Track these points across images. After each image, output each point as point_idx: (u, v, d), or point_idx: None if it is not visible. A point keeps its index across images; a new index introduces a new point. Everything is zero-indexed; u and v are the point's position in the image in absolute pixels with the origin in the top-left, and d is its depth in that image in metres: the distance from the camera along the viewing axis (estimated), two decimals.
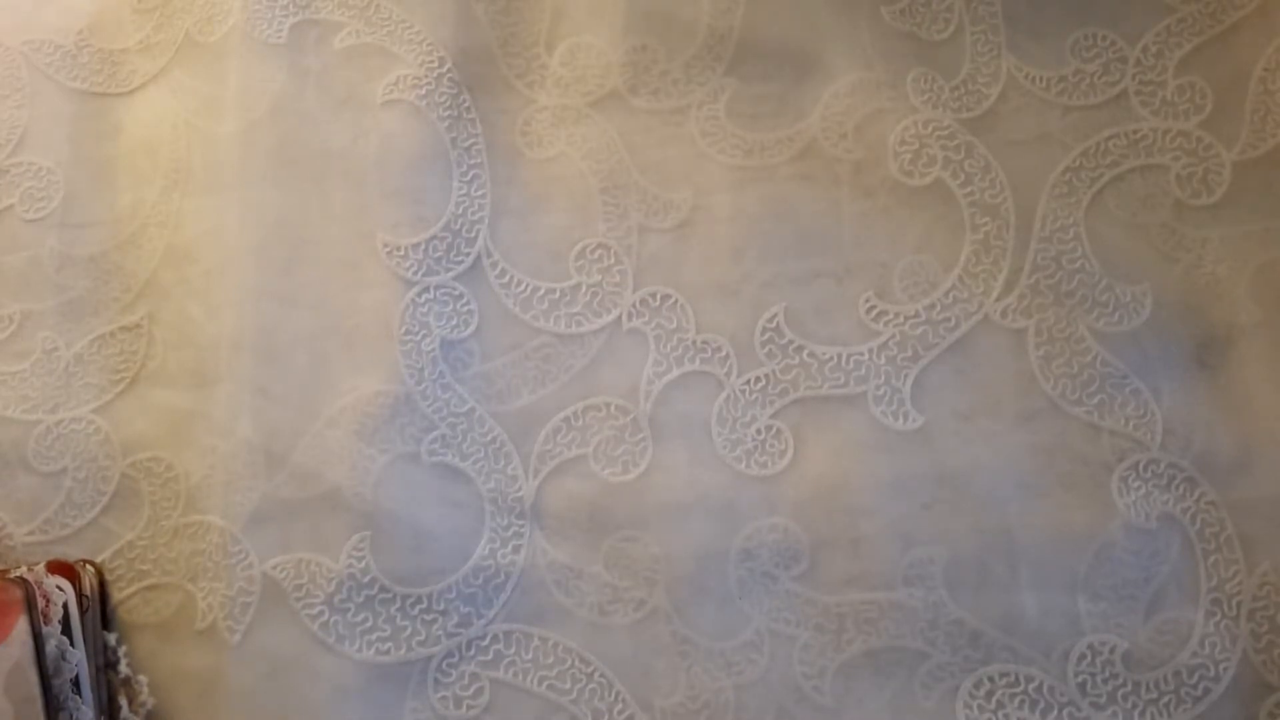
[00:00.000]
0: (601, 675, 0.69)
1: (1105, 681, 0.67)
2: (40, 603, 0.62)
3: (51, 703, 0.60)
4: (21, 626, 0.60)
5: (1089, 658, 0.67)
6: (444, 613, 0.70)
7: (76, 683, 0.62)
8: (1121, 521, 0.68)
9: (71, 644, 0.63)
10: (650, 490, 0.71)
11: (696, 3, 0.78)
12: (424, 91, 0.77)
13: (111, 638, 0.69)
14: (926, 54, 0.76)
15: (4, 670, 0.59)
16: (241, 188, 0.76)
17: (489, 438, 0.73)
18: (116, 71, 0.81)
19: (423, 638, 0.69)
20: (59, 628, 0.62)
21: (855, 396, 0.72)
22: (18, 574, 0.64)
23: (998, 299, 0.72)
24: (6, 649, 0.59)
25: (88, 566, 0.70)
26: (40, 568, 0.67)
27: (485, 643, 0.70)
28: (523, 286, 0.75)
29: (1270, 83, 0.73)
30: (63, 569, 0.68)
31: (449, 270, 0.75)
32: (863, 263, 0.73)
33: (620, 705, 0.69)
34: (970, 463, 0.70)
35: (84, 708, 0.63)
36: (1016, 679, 0.67)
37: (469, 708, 0.69)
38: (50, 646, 0.61)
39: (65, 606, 0.63)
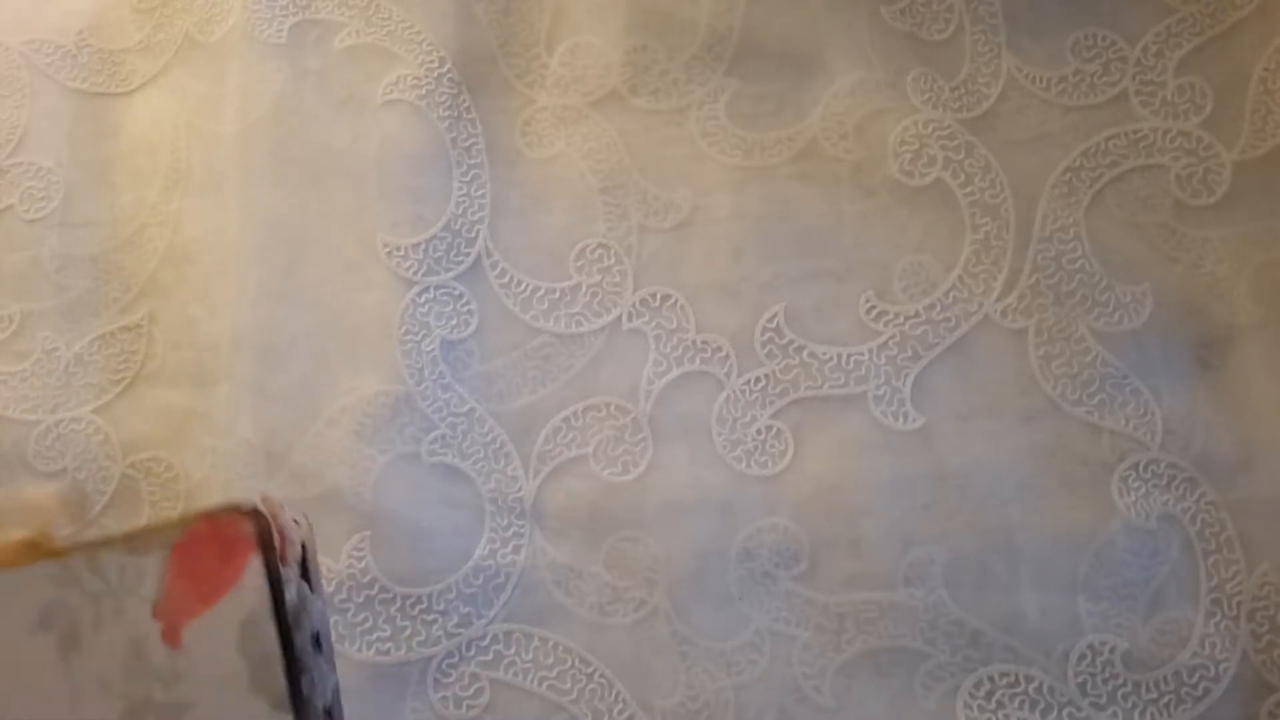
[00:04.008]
0: (601, 675, 0.69)
1: (1105, 681, 0.67)
2: (276, 541, 0.49)
3: (294, 662, 0.48)
4: (255, 568, 0.47)
5: (1089, 658, 0.67)
6: (444, 613, 0.70)
7: (318, 639, 0.50)
8: (1121, 521, 0.68)
9: (312, 590, 0.50)
10: (650, 490, 0.71)
11: (696, 3, 0.78)
12: (424, 91, 0.77)
13: None
14: (926, 54, 0.76)
15: (236, 620, 0.47)
16: (241, 188, 0.76)
17: (489, 438, 0.73)
18: (116, 71, 0.81)
19: (423, 638, 0.69)
20: (298, 570, 0.49)
21: (855, 396, 0.72)
22: (249, 505, 0.50)
23: (998, 299, 0.72)
24: (238, 595, 0.47)
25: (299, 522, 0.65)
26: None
27: (485, 643, 0.70)
28: (523, 286, 0.75)
29: (1270, 83, 0.73)
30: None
31: (449, 270, 0.75)
32: (863, 263, 0.73)
33: (620, 705, 0.69)
34: (970, 463, 0.70)
35: (327, 669, 0.50)
36: (1016, 679, 0.67)
37: (469, 708, 0.69)
38: (290, 594, 0.48)
39: (303, 546, 0.50)
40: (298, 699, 0.47)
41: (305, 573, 0.50)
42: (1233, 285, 0.71)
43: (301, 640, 0.49)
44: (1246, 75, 0.73)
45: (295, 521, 0.50)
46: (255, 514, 0.49)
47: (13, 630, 0.48)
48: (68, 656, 0.48)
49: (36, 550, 0.54)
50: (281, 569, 0.48)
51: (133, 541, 0.49)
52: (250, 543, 0.48)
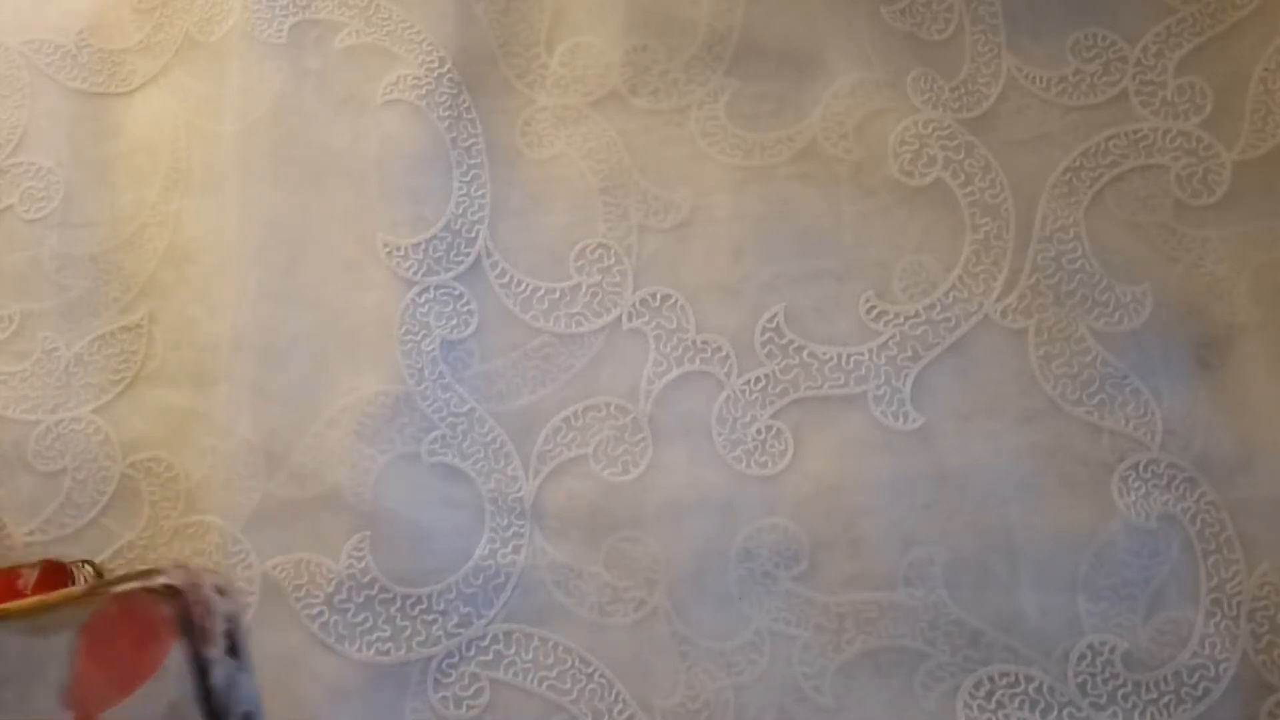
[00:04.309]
0: (601, 675, 0.69)
1: (1105, 681, 0.67)
2: (199, 619, 0.45)
3: None
4: (176, 655, 0.43)
5: (1089, 658, 0.67)
6: (444, 613, 0.70)
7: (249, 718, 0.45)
8: (1121, 521, 0.68)
9: (240, 667, 0.45)
10: (650, 490, 0.71)
11: (696, 3, 0.78)
12: (424, 91, 0.77)
13: None
14: (926, 54, 0.76)
15: (158, 711, 0.43)
16: (241, 188, 0.76)
17: (489, 438, 0.73)
18: (116, 71, 0.81)
19: (423, 638, 0.69)
20: (224, 647, 0.44)
21: (855, 396, 0.72)
22: (164, 583, 0.46)
23: (998, 299, 0.72)
24: (157, 685, 0.43)
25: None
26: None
27: (485, 643, 0.70)
28: (523, 286, 0.75)
29: (1270, 83, 0.73)
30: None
31: (449, 270, 0.75)
32: (863, 263, 0.73)
33: (620, 705, 0.69)
34: (970, 463, 0.70)
35: None
36: (1016, 679, 0.67)
37: (469, 708, 0.69)
38: (217, 676, 0.44)
39: (230, 619, 0.45)
40: None
41: (232, 648, 0.45)
42: (1233, 285, 0.71)
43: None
44: (1246, 75, 0.73)
45: (219, 590, 0.45)
46: (172, 592, 0.44)
47: None
48: None
49: None
50: (205, 651, 0.44)
51: (34, 619, 0.44)
52: (170, 626, 0.44)
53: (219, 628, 0.44)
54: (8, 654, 0.44)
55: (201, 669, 0.44)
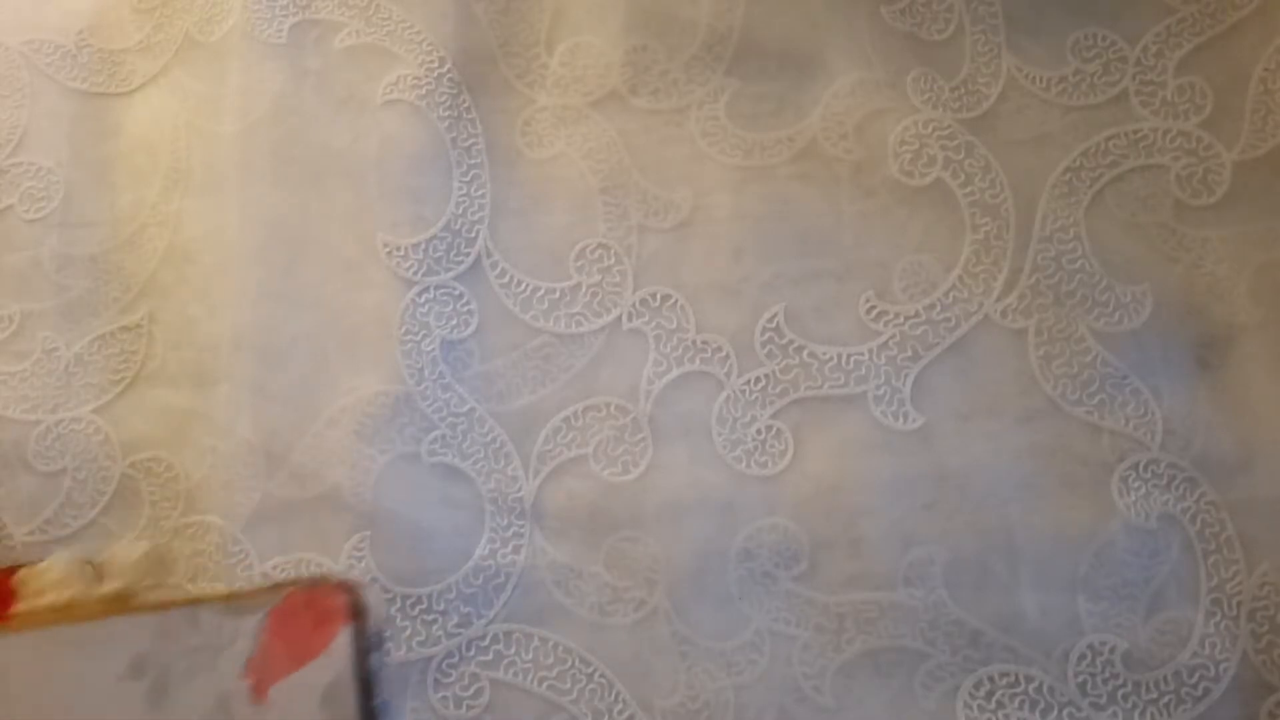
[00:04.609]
0: (601, 675, 0.69)
1: (1105, 681, 0.67)
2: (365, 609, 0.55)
3: None
4: (345, 637, 0.53)
5: (1089, 658, 0.67)
6: (444, 613, 0.70)
7: (385, 708, 0.55)
8: (1121, 521, 0.68)
9: (382, 662, 0.56)
10: (650, 490, 0.71)
11: (696, 3, 0.78)
12: (424, 91, 0.77)
13: None
14: (926, 54, 0.76)
15: (322, 683, 0.52)
16: (241, 188, 0.76)
17: (489, 438, 0.73)
18: (116, 71, 0.81)
19: (423, 638, 0.69)
20: (374, 643, 0.55)
21: (855, 396, 0.72)
22: (344, 580, 0.57)
23: (998, 299, 0.72)
24: (326, 660, 0.52)
25: (87, 566, 0.70)
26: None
27: (485, 643, 0.70)
28: (523, 286, 0.75)
29: (1270, 83, 0.73)
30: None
31: (449, 270, 0.75)
32: (863, 263, 0.73)
33: (620, 705, 0.69)
34: (970, 463, 0.70)
35: None
36: (1016, 679, 0.67)
37: (469, 708, 0.69)
38: (371, 662, 0.54)
39: (378, 622, 0.56)
40: None
41: (378, 646, 0.55)
42: (1233, 285, 0.71)
43: (379, 706, 0.53)
44: (1246, 75, 0.73)
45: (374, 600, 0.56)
46: (349, 587, 0.55)
47: (103, 677, 0.51)
48: (155, 706, 0.51)
49: (123, 604, 0.57)
50: (365, 638, 0.54)
51: (232, 602, 0.53)
52: (343, 613, 0.53)
53: (375, 626, 0.55)
54: (206, 626, 0.52)
55: (361, 652, 0.53)
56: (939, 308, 0.72)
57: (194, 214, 0.77)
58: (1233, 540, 0.68)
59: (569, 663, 0.69)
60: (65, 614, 0.55)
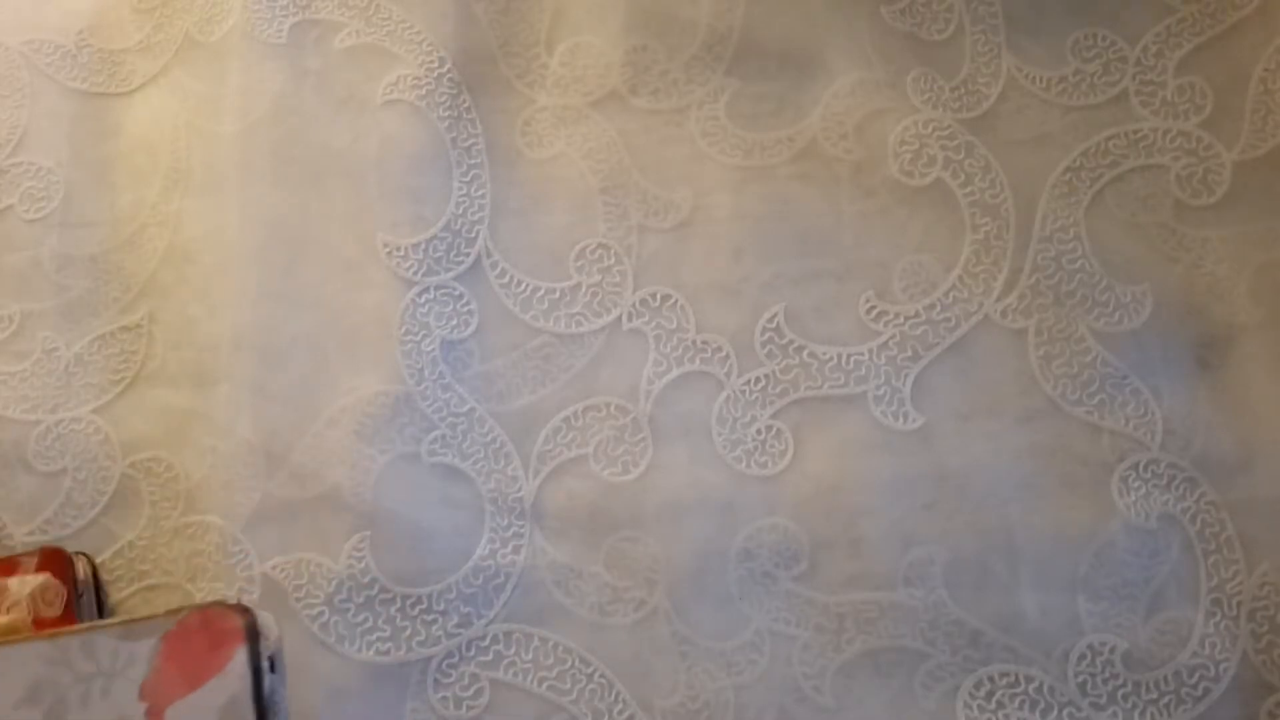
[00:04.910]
0: (601, 675, 0.69)
1: (1105, 681, 0.67)
2: (260, 631, 0.55)
3: None
4: (240, 659, 0.53)
5: (1089, 658, 0.67)
6: (444, 613, 0.70)
7: None
8: (1121, 521, 0.68)
9: (280, 682, 0.56)
10: (650, 490, 0.71)
11: (696, 3, 0.78)
12: (424, 91, 0.77)
13: None
14: (926, 54, 0.76)
15: (217, 704, 0.52)
16: (241, 188, 0.76)
17: (489, 438, 0.73)
18: (116, 71, 0.81)
19: (423, 638, 0.69)
20: (269, 665, 0.55)
21: (855, 396, 0.72)
22: (238, 602, 0.58)
23: (998, 299, 0.72)
24: (221, 681, 0.53)
25: (81, 556, 0.70)
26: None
27: (485, 643, 0.70)
28: (523, 286, 0.75)
29: (1270, 83, 0.73)
30: (57, 557, 0.68)
31: (449, 270, 0.75)
32: (863, 263, 0.73)
33: (620, 705, 0.69)
34: (970, 463, 0.70)
35: None
36: (1016, 679, 0.67)
37: (469, 708, 0.69)
38: (266, 683, 0.54)
39: (275, 642, 0.56)
40: None
41: (273, 666, 0.55)
42: (1233, 285, 0.71)
43: None
44: (1246, 75, 0.73)
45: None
46: (244, 610, 0.55)
47: (0, 703, 0.51)
48: None
49: (16, 634, 0.58)
50: (261, 660, 0.54)
51: (127, 627, 0.53)
52: (239, 634, 0.53)
53: (269, 647, 0.54)
54: (102, 652, 0.53)
55: (257, 673, 0.53)
56: (939, 308, 0.72)
57: (194, 214, 0.77)
58: (1233, 540, 0.68)
59: (569, 663, 0.69)
60: None
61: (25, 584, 0.67)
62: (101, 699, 0.52)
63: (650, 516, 0.71)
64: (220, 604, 0.55)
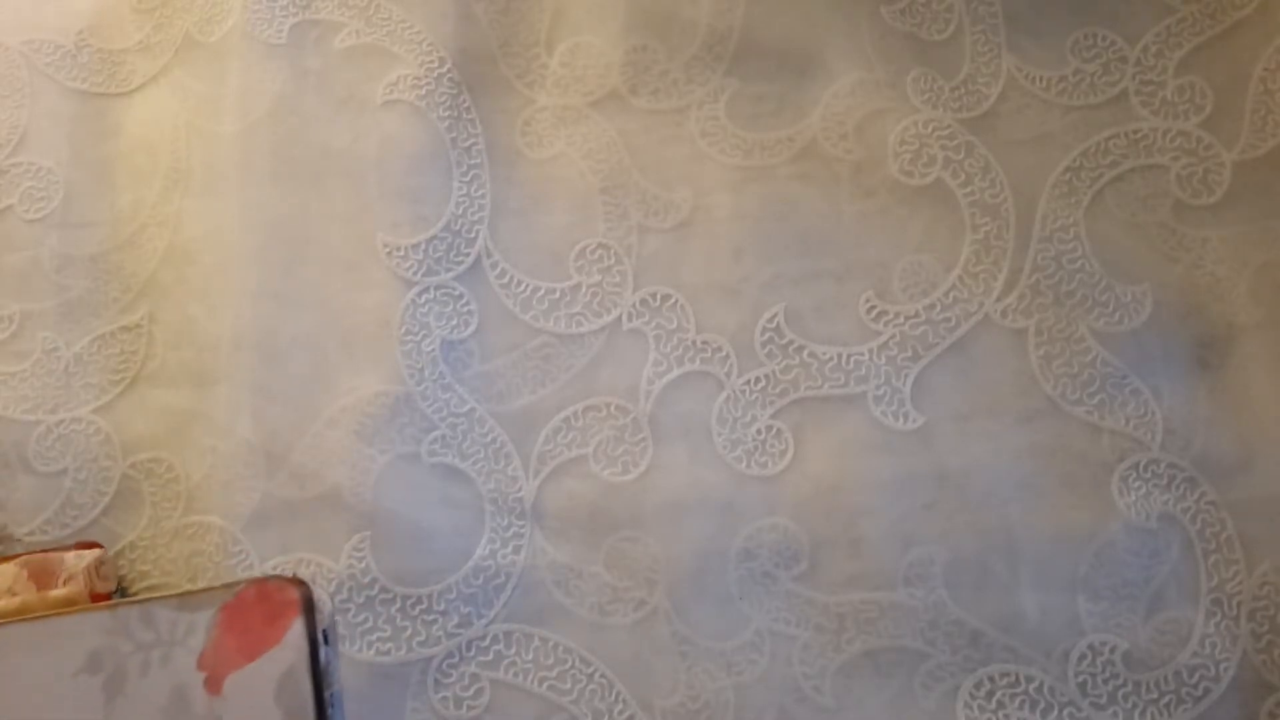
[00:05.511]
0: (602, 675, 0.69)
1: (1105, 681, 0.67)
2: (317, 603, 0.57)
3: (323, 715, 0.54)
4: (297, 630, 0.55)
5: (1089, 658, 0.67)
6: (444, 613, 0.70)
7: (335, 700, 0.56)
8: (1122, 521, 0.68)
9: (334, 655, 0.57)
10: (650, 490, 0.71)
11: (696, 3, 0.78)
12: (424, 91, 0.77)
13: None
14: (926, 54, 0.76)
15: (276, 674, 0.54)
16: (241, 188, 0.76)
17: (489, 438, 0.73)
18: (116, 71, 0.81)
19: (423, 638, 0.70)
20: (323, 637, 0.56)
21: (855, 396, 0.72)
22: (295, 575, 0.60)
23: (998, 299, 0.72)
24: (279, 652, 0.54)
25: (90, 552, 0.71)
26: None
27: (485, 643, 0.70)
28: (523, 286, 0.75)
29: (1270, 83, 0.73)
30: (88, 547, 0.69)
31: (449, 270, 0.75)
32: (863, 263, 0.73)
33: (620, 705, 0.69)
34: (970, 463, 0.70)
35: None
36: (1016, 679, 0.67)
37: (469, 708, 0.69)
38: (322, 655, 0.55)
39: (330, 616, 0.59)
40: None
41: (328, 639, 0.57)
42: (1233, 285, 0.71)
43: (328, 697, 0.54)
44: (1246, 75, 0.73)
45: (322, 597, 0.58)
46: (301, 583, 0.56)
47: (59, 673, 0.53)
48: (113, 699, 0.53)
49: (74, 607, 0.59)
50: (317, 632, 0.55)
51: (185, 599, 0.55)
52: (296, 607, 0.55)
53: (325, 620, 0.56)
54: (160, 622, 0.54)
55: (313, 645, 0.55)
56: (939, 308, 0.72)
57: (194, 214, 0.77)
58: (1233, 540, 0.68)
59: (569, 663, 0.69)
60: (17, 616, 0.57)
61: (82, 558, 0.67)
62: (161, 668, 0.53)
63: (650, 516, 0.71)
64: (277, 576, 0.56)
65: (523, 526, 0.71)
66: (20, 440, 0.74)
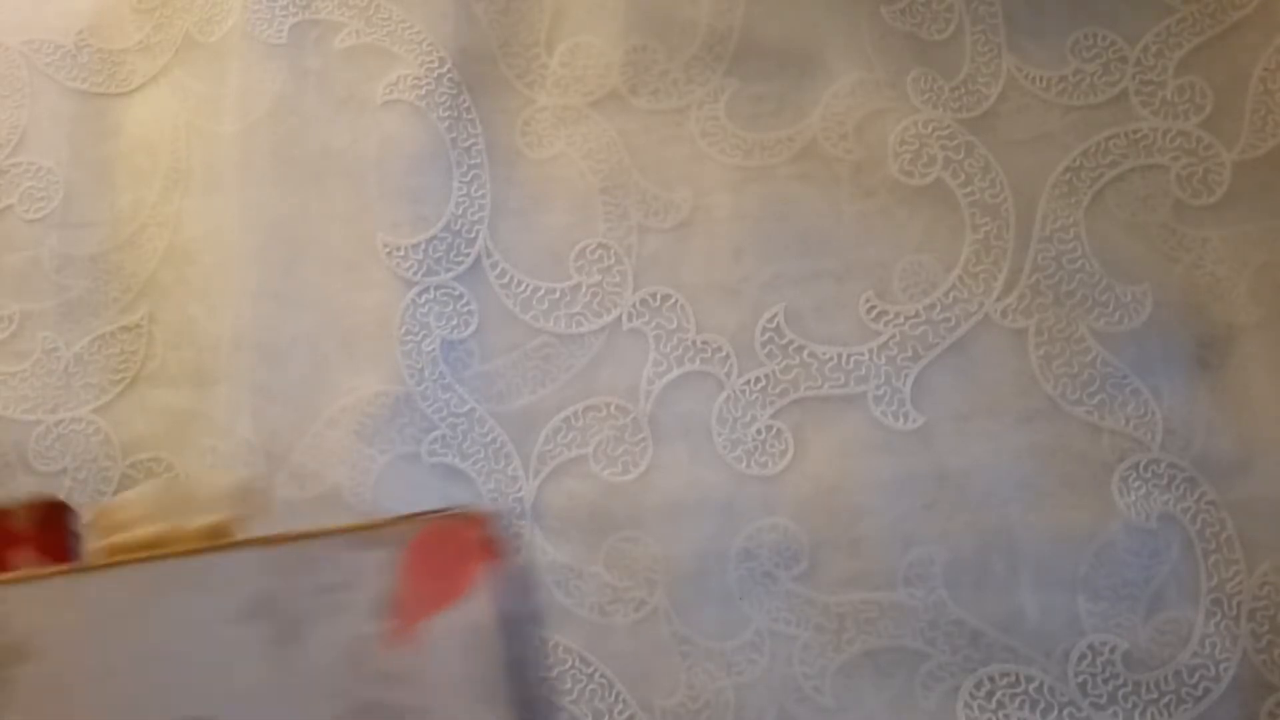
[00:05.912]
0: (601, 675, 0.69)
1: (1105, 681, 0.67)
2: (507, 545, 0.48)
3: (525, 674, 0.45)
4: (491, 574, 0.46)
5: (1089, 658, 0.67)
6: None
7: (537, 649, 0.47)
8: (1122, 521, 0.68)
9: (531, 603, 0.48)
10: (650, 490, 0.71)
11: (696, 3, 0.78)
12: (424, 91, 0.77)
13: None
14: (926, 54, 0.76)
15: (469, 625, 0.45)
16: (241, 188, 0.76)
17: (489, 438, 0.73)
18: (116, 71, 0.81)
19: None
20: (528, 580, 0.47)
21: (855, 396, 0.72)
22: (479, 511, 0.49)
23: (998, 299, 0.72)
24: (473, 599, 0.45)
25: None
26: None
27: None
28: (523, 286, 0.75)
29: (1270, 83, 0.73)
30: (54, 508, 0.65)
31: (449, 270, 0.75)
32: (863, 263, 0.73)
33: (620, 705, 0.69)
34: (970, 463, 0.70)
35: (548, 681, 0.47)
36: (1016, 679, 0.67)
37: None
38: (520, 603, 0.47)
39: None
40: (527, 712, 0.45)
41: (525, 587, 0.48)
42: (1233, 285, 0.71)
43: (532, 651, 0.46)
44: (1246, 75, 0.73)
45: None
46: (486, 519, 0.47)
47: (213, 618, 0.45)
48: (285, 648, 0.45)
49: (222, 538, 0.51)
50: (508, 577, 0.47)
51: (362, 536, 0.48)
52: (486, 548, 0.47)
53: (516, 563, 0.47)
54: (339, 563, 0.46)
55: (508, 591, 0.46)
56: (939, 308, 0.72)
57: (194, 214, 0.77)
58: (1233, 540, 0.68)
59: (569, 663, 0.69)
60: (159, 550, 0.49)
61: (224, 478, 0.61)
62: (337, 614, 0.46)
63: (650, 516, 0.71)
64: (463, 510, 0.48)
65: (523, 526, 0.71)
66: (20, 440, 0.74)
